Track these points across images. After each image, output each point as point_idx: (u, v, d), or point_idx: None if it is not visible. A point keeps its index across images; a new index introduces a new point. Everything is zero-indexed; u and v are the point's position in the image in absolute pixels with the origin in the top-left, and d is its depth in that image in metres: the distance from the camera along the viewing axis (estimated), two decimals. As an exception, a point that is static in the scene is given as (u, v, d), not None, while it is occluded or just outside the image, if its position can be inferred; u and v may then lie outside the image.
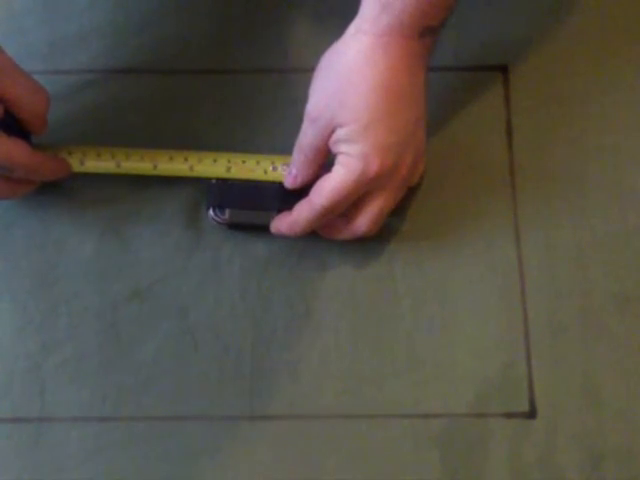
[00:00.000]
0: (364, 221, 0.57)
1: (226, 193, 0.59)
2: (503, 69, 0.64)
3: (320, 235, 0.59)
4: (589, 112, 0.63)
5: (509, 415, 0.57)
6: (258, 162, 0.59)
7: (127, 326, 0.59)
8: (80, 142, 0.60)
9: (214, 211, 0.59)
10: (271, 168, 0.59)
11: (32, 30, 0.64)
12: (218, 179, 0.59)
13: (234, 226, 0.60)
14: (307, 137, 0.56)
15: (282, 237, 0.58)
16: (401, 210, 0.60)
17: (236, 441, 0.57)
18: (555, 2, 0.65)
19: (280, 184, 0.59)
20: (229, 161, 0.59)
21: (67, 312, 0.59)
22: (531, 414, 0.57)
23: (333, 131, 0.54)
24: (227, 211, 0.59)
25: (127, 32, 0.64)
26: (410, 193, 0.60)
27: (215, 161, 0.59)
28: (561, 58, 0.64)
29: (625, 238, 0.60)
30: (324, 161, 0.56)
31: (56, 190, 0.61)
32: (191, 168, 0.59)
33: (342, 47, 0.55)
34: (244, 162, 0.59)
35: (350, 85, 0.53)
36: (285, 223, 0.57)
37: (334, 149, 0.55)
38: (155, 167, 0.59)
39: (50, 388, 0.58)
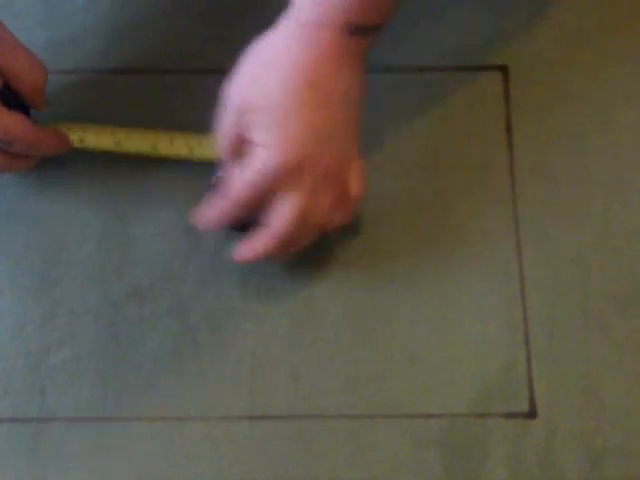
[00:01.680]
0: (279, 221, 0.53)
1: (226, 193, 0.59)
2: (503, 69, 0.64)
3: (274, 259, 0.58)
4: (589, 112, 0.63)
5: (509, 415, 0.57)
6: None
7: (127, 326, 0.59)
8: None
9: (214, 211, 0.59)
10: None
11: (32, 30, 0.64)
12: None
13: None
14: (223, 123, 0.54)
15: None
16: (399, 210, 0.60)
17: (236, 441, 0.57)
18: (555, 2, 0.65)
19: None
20: None
21: (67, 312, 0.59)
22: (531, 414, 0.57)
23: (246, 115, 0.52)
24: (227, 211, 0.59)
25: (126, 32, 0.64)
26: (410, 192, 0.60)
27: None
28: (561, 58, 0.64)
29: (625, 238, 0.60)
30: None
31: (56, 189, 0.61)
32: (191, 150, 0.59)
33: (271, 34, 0.53)
34: None
35: (270, 71, 0.52)
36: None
37: (247, 136, 0.53)
38: (155, 148, 0.59)
39: (50, 388, 0.58)
